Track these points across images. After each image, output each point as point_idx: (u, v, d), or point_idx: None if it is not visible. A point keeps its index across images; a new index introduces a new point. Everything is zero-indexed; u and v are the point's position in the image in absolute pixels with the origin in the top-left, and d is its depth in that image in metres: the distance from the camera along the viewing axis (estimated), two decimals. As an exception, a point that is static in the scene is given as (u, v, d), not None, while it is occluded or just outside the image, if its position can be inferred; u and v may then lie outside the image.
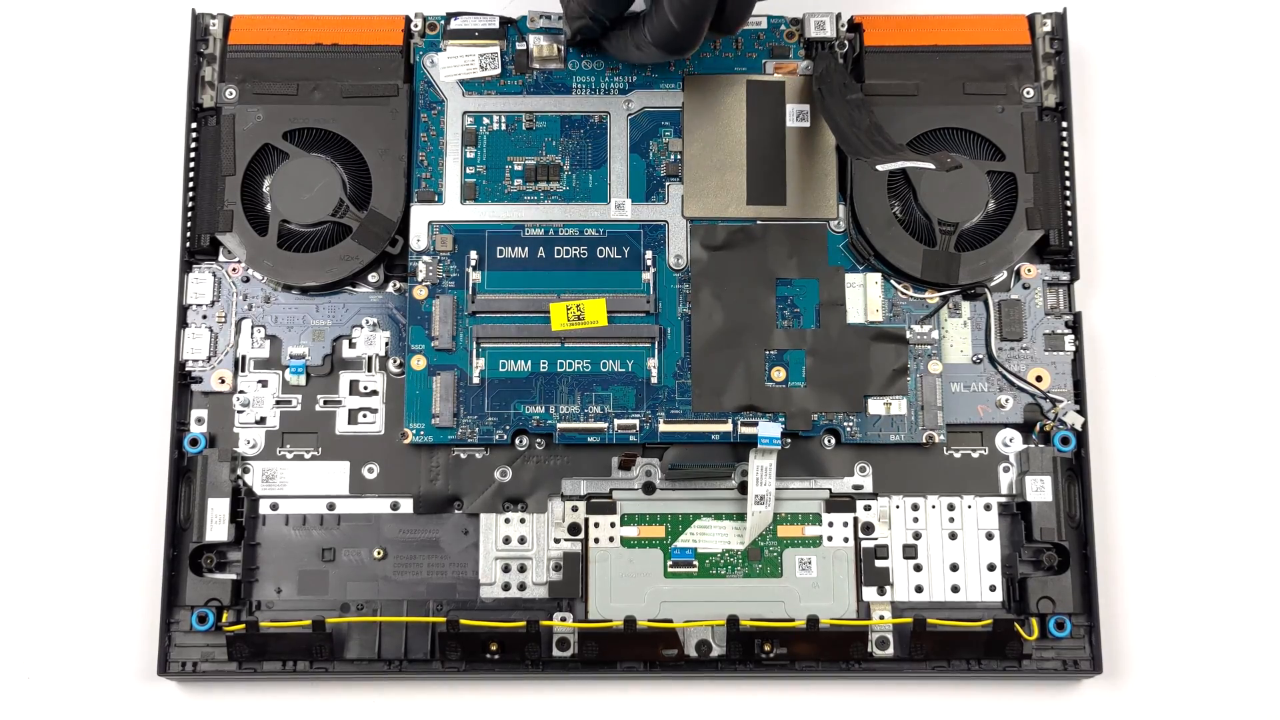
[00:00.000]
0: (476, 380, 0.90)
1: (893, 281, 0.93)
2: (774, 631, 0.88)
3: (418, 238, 0.92)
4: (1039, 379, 0.92)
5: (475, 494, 0.91)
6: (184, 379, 0.92)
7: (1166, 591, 0.92)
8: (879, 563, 0.90)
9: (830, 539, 0.90)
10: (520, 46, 0.95)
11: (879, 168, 0.86)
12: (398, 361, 0.92)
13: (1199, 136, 0.98)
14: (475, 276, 0.92)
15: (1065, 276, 0.93)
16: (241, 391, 0.92)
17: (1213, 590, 0.92)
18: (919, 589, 0.90)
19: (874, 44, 0.95)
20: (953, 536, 0.90)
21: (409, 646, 0.88)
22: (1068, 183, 0.93)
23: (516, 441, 0.91)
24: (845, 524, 0.90)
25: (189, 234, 0.93)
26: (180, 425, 0.91)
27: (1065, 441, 0.91)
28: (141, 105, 0.98)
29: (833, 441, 0.91)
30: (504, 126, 0.94)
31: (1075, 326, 0.93)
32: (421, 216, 0.92)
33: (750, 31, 0.95)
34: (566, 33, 0.92)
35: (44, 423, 0.94)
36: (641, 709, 0.90)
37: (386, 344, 0.93)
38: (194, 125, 0.94)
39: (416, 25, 0.95)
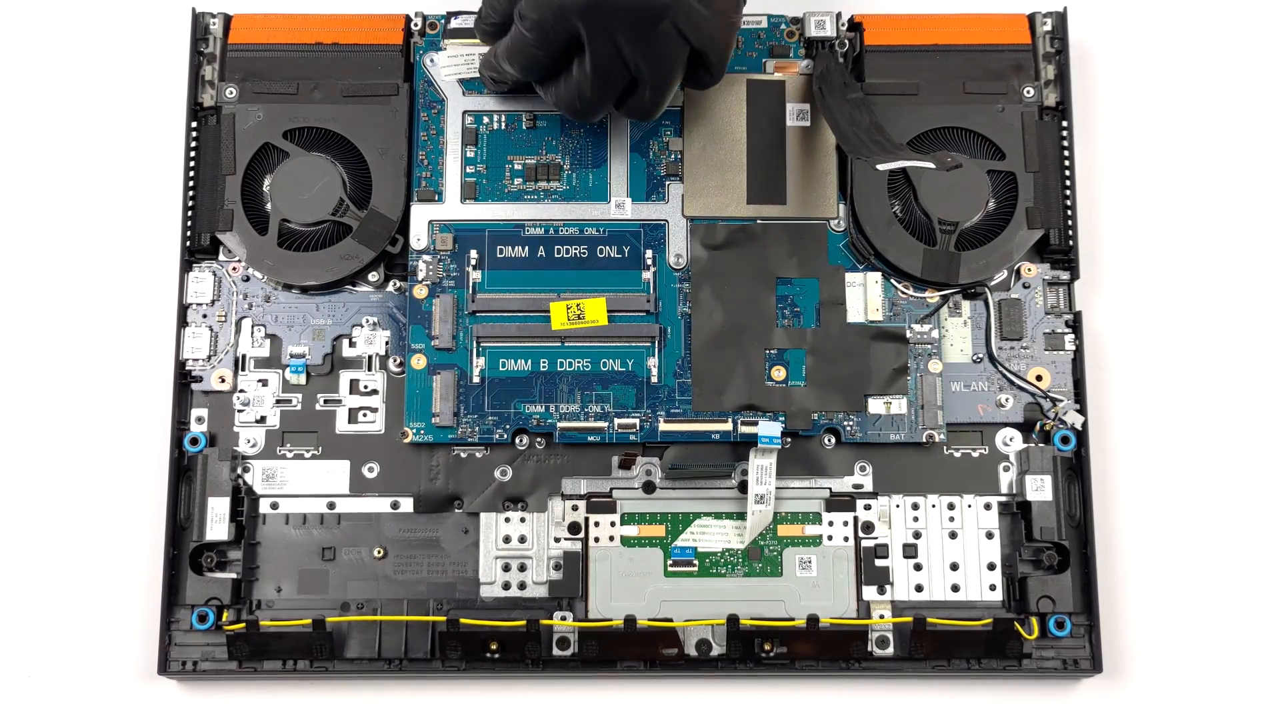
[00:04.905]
0: (477, 379, 0.90)
1: (893, 281, 0.93)
2: (774, 631, 0.88)
3: (418, 237, 0.92)
4: (1039, 378, 0.92)
5: (475, 493, 0.91)
6: (184, 378, 0.92)
7: (1166, 591, 0.92)
8: (879, 562, 0.90)
9: (830, 538, 0.90)
10: (520, 46, 0.95)
11: (879, 167, 0.86)
12: (398, 360, 0.92)
13: (1200, 135, 0.98)
14: (475, 276, 0.92)
15: (1065, 276, 0.93)
16: (242, 390, 0.92)
17: (1213, 590, 0.92)
18: (919, 588, 0.90)
19: (874, 43, 0.95)
20: (953, 536, 0.90)
21: (409, 646, 0.88)
22: (1068, 182, 0.93)
23: (516, 441, 0.91)
24: (845, 523, 0.90)
25: (189, 233, 0.93)
26: (180, 424, 0.91)
27: (1065, 441, 0.91)
28: (141, 105, 0.98)
29: (833, 441, 0.91)
30: (504, 125, 0.94)
31: (1075, 326, 0.93)
32: (422, 216, 0.92)
33: (750, 31, 0.95)
34: (482, 74, 0.92)
35: (45, 422, 0.94)
36: (641, 708, 0.90)
37: (387, 343, 0.93)
38: (194, 124, 0.94)
39: (416, 24, 0.95)
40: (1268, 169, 0.98)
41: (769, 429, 0.88)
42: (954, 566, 0.90)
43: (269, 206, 0.93)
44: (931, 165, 0.88)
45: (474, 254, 0.92)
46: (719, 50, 0.86)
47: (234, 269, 0.93)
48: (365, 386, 0.92)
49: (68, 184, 0.97)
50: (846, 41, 0.95)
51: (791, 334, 0.91)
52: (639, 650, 0.88)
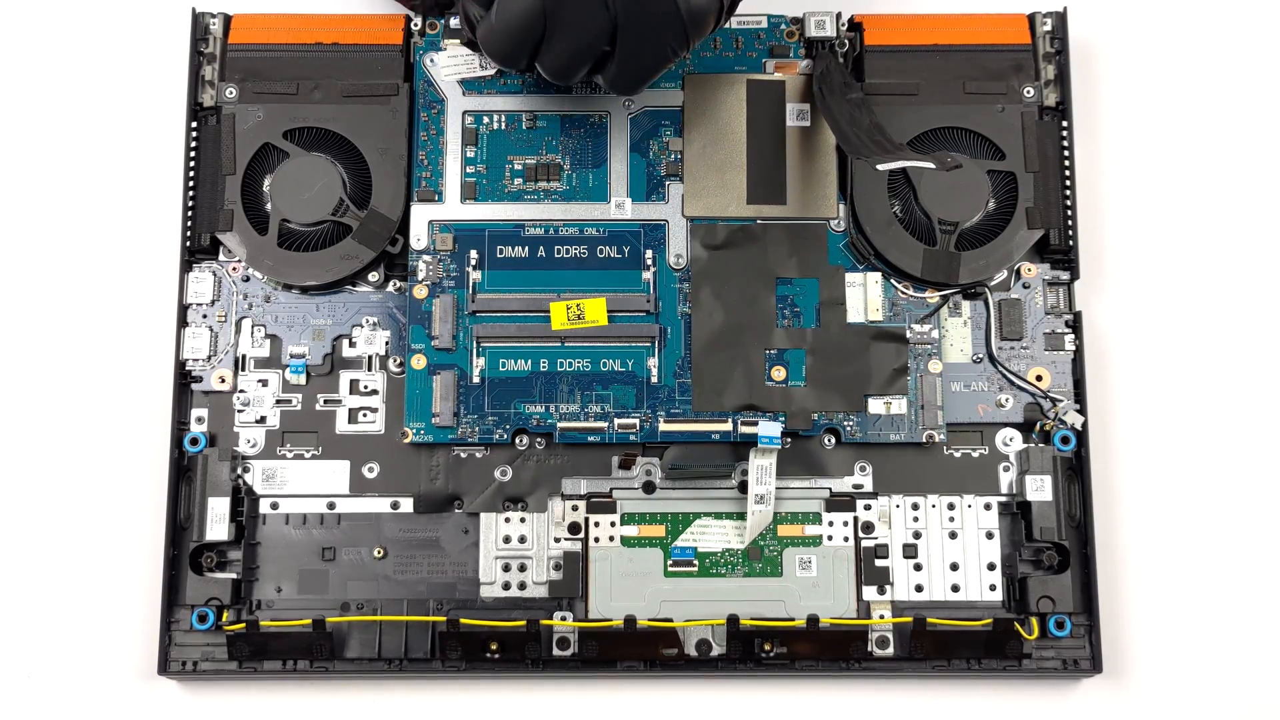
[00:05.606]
0: (477, 379, 0.90)
1: (893, 281, 0.93)
2: (774, 631, 0.88)
3: (418, 237, 0.92)
4: (1039, 378, 0.92)
5: (475, 493, 0.91)
6: (184, 378, 0.92)
7: (1167, 591, 0.92)
8: (879, 562, 0.90)
9: (830, 538, 0.90)
10: (520, 46, 0.95)
11: (879, 167, 0.86)
12: (398, 361, 0.92)
13: (1201, 134, 0.98)
14: (475, 276, 0.92)
15: (1065, 276, 0.93)
16: (242, 391, 0.92)
17: (1213, 589, 0.92)
18: (919, 588, 0.90)
19: (874, 43, 0.95)
20: (953, 536, 0.90)
21: (409, 646, 0.89)
22: (1068, 182, 0.94)
23: (516, 441, 0.91)
24: (845, 523, 0.90)
25: (189, 233, 0.93)
26: (180, 424, 0.91)
27: (1065, 441, 0.91)
28: (141, 105, 0.98)
29: (833, 441, 0.91)
30: (504, 126, 0.94)
31: (1075, 326, 0.93)
32: (422, 216, 0.92)
33: (750, 31, 0.95)
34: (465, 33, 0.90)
35: (45, 422, 0.94)
36: (641, 709, 0.90)
37: (387, 343, 0.93)
38: (194, 124, 0.94)
39: (416, 24, 0.95)
40: (1269, 168, 0.98)
41: (769, 429, 0.88)
42: (954, 566, 0.90)
43: (269, 206, 0.93)
44: (931, 165, 0.87)
45: (474, 254, 0.92)
46: (630, 53, 0.83)
47: (234, 269, 0.93)
48: (365, 386, 0.92)
49: (68, 184, 0.97)
50: (846, 41, 0.95)
51: (791, 334, 0.91)
52: (639, 650, 0.88)
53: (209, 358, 0.92)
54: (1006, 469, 0.91)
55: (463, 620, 0.87)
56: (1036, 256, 0.94)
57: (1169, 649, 0.91)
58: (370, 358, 0.93)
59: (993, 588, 0.90)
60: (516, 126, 0.94)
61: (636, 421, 0.90)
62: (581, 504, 0.90)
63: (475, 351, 0.91)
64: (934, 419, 0.91)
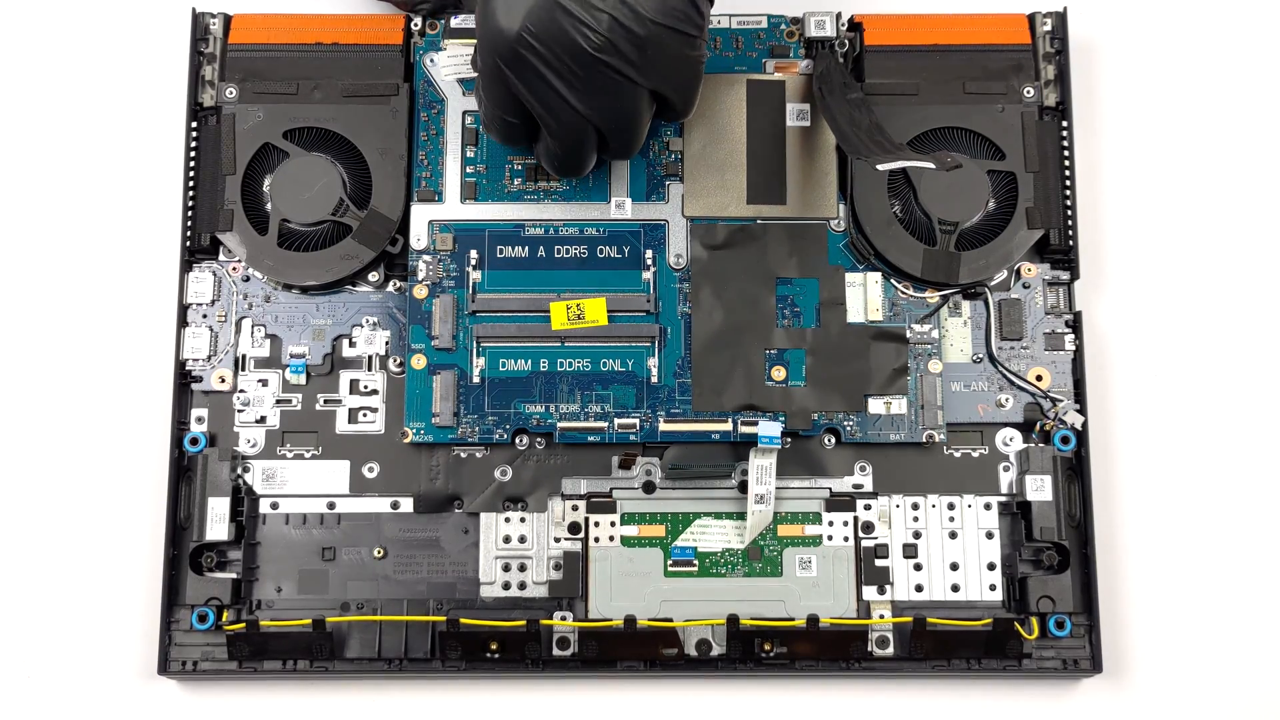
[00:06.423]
0: (477, 379, 0.90)
1: (893, 281, 0.93)
2: (774, 631, 0.88)
3: (418, 237, 0.92)
4: (1039, 378, 0.92)
5: (475, 493, 0.91)
6: (184, 378, 0.92)
7: (1167, 590, 0.92)
8: (879, 562, 0.90)
9: (830, 538, 0.90)
10: (520, 46, 0.95)
11: (879, 167, 0.86)
12: (398, 360, 0.92)
13: (1201, 134, 0.98)
14: (475, 276, 0.92)
15: (1065, 276, 0.93)
16: (242, 391, 0.92)
17: (1213, 589, 0.92)
18: (919, 588, 0.90)
19: (874, 43, 0.95)
20: (953, 536, 0.90)
21: (409, 646, 0.89)
22: (1068, 182, 0.94)
23: (517, 441, 0.91)
24: (845, 523, 0.90)
25: (189, 233, 0.93)
26: (180, 424, 0.91)
27: (1065, 441, 0.91)
28: (141, 105, 0.98)
29: (833, 441, 0.91)
30: (504, 126, 0.94)
31: (1075, 326, 0.93)
32: (422, 216, 0.92)
33: (750, 31, 0.95)
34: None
35: (45, 422, 0.94)
36: (641, 708, 0.90)
37: (387, 343, 0.93)
38: (194, 124, 0.94)
39: (416, 24, 0.95)
40: (1269, 168, 0.98)
41: (769, 429, 0.88)
42: (954, 566, 0.90)
43: (269, 206, 0.93)
44: (931, 165, 0.87)
45: (474, 254, 0.92)
46: (678, 89, 0.84)
47: (234, 269, 0.93)
48: (365, 386, 0.92)
49: (68, 184, 0.97)
50: (846, 41, 0.95)
51: (791, 334, 0.91)
52: (639, 650, 0.88)
53: (209, 358, 0.92)
54: (1006, 469, 0.91)
55: (463, 620, 0.87)
56: (1036, 256, 0.94)
57: (1169, 649, 0.91)
58: (370, 358, 0.93)
59: (993, 588, 0.90)
60: (516, 126, 0.94)
61: (636, 421, 0.90)
62: (581, 504, 0.90)
63: (475, 351, 0.91)
64: (934, 419, 0.91)
